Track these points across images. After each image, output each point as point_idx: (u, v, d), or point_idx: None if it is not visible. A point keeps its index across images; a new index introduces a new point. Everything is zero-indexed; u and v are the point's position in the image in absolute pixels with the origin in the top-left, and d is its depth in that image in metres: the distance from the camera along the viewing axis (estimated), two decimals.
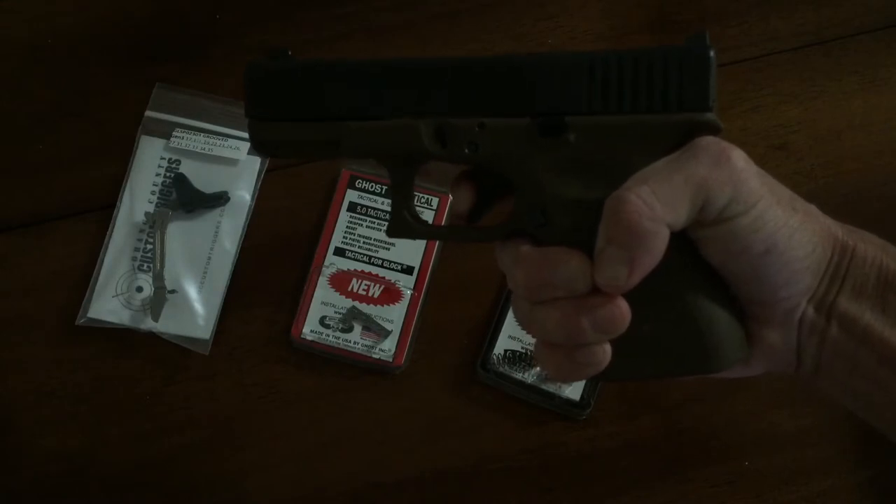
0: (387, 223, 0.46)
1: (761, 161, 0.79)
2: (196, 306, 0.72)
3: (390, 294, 0.72)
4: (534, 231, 0.42)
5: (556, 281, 0.40)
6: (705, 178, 0.39)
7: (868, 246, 0.42)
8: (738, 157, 0.40)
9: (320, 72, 0.44)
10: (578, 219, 0.41)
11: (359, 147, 0.44)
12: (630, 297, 0.40)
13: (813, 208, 0.43)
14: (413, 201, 0.45)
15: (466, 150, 0.42)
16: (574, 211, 0.41)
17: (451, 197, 0.73)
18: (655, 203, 0.38)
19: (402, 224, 0.45)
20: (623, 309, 0.40)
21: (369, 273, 0.73)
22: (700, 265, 0.41)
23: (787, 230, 0.40)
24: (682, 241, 0.41)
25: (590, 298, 0.40)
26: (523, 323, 0.43)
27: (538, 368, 0.70)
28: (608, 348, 0.41)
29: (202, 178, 0.74)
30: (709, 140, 0.40)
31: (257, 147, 0.46)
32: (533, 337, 0.43)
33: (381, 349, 0.71)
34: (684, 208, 0.39)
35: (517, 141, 0.42)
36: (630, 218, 0.38)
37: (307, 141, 0.44)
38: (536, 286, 0.41)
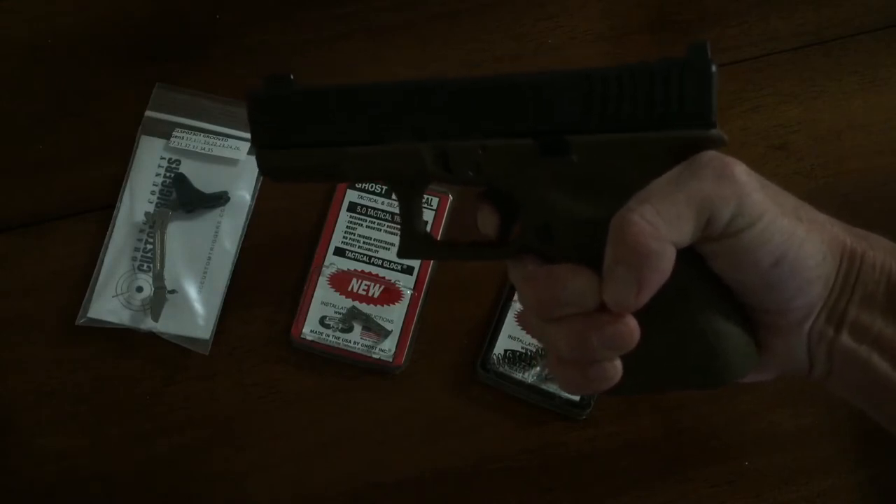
0: (396, 244, 0.46)
1: (761, 161, 0.80)
2: (196, 306, 0.72)
3: (390, 294, 0.72)
4: (541, 249, 0.42)
5: (565, 298, 0.40)
6: (709, 195, 0.38)
7: (877, 252, 0.42)
8: (741, 172, 0.39)
9: (321, 98, 0.44)
10: (585, 236, 0.41)
11: (363, 172, 0.44)
12: (639, 311, 0.40)
13: (820, 216, 0.42)
14: (421, 220, 0.45)
15: (470, 173, 0.42)
16: (580, 229, 0.41)
17: (450, 197, 0.73)
18: (660, 222, 0.38)
19: (412, 245, 0.45)
20: (632, 326, 0.40)
21: (369, 273, 0.73)
22: (708, 278, 0.41)
23: (796, 240, 0.40)
24: (690, 255, 0.40)
25: (599, 316, 0.40)
26: (535, 338, 0.43)
27: (538, 368, 0.70)
28: (619, 364, 0.41)
29: (202, 178, 0.74)
30: (710, 155, 0.40)
31: (266, 174, 0.46)
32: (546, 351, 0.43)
33: (381, 349, 0.71)
34: (689, 226, 0.39)
35: (520, 162, 0.42)
36: (636, 239, 0.38)
37: (313, 167, 0.44)
38: (545, 304, 0.41)
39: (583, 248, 0.40)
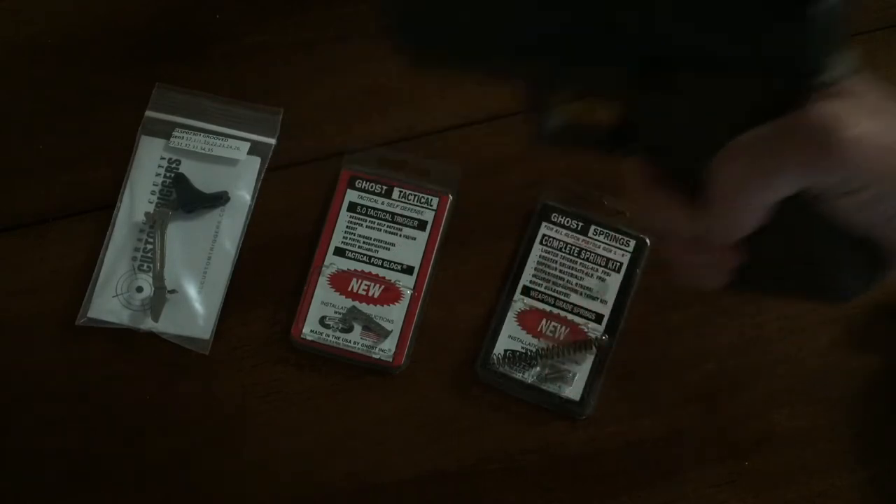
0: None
1: None
2: (196, 306, 0.72)
3: (390, 294, 0.72)
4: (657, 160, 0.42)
5: (666, 222, 0.43)
6: (805, 164, 0.36)
7: None
8: (851, 141, 0.36)
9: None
10: (696, 158, 0.40)
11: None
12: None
13: None
14: (553, 114, 0.43)
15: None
16: (691, 150, 0.40)
17: (450, 197, 0.73)
18: (751, 180, 0.38)
19: (542, 137, 0.43)
20: (729, 256, 0.42)
21: (369, 273, 0.73)
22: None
23: None
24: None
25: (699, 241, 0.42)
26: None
27: (538, 368, 0.70)
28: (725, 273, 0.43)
29: (202, 178, 0.74)
30: (818, 114, 0.36)
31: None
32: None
33: (381, 349, 0.71)
34: (782, 188, 0.38)
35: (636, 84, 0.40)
36: (727, 190, 0.38)
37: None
38: (653, 217, 0.43)
39: (694, 167, 0.40)
